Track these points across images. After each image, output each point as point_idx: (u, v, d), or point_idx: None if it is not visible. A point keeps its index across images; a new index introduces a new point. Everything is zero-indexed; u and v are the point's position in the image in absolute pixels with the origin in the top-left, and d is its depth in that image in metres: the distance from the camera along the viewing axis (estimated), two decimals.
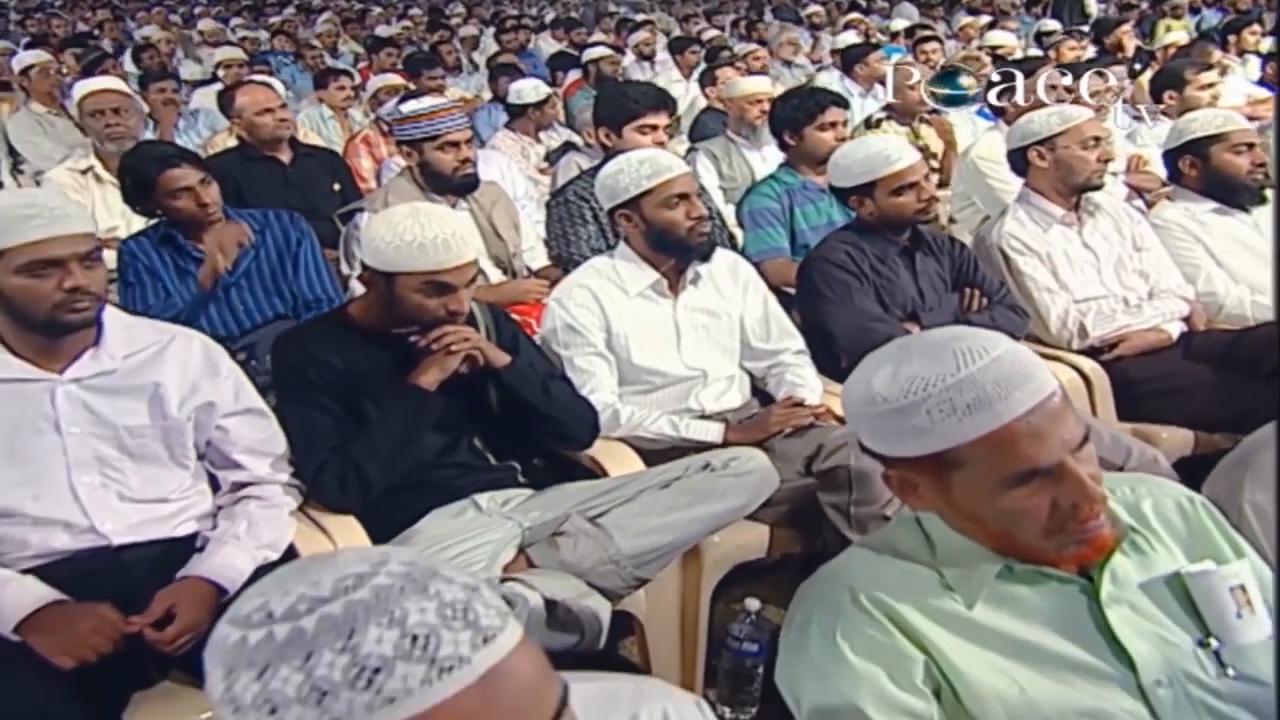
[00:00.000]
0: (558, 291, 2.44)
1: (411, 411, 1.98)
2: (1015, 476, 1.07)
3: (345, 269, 3.09)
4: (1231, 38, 6.76)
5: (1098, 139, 2.79)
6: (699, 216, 2.37)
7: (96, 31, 9.83)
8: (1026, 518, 1.09)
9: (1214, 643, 1.11)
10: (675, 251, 2.39)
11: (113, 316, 1.81)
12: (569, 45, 8.51)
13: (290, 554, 1.84)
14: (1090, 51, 6.48)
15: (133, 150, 2.87)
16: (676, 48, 7.44)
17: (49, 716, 1.48)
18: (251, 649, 0.68)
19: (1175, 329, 2.76)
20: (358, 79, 6.19)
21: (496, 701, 0.68)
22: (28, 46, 7.35)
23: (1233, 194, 2.94)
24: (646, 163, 2.36)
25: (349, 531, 1.93)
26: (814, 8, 10.01)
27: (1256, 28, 6.78)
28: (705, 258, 2.42)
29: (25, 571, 1.67)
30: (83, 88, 3.60)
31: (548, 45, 8.86)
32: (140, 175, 2.59)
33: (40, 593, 1.62)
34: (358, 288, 2.86)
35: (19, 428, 1.70)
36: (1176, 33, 7.58)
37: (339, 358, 2.00)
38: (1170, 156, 3.05)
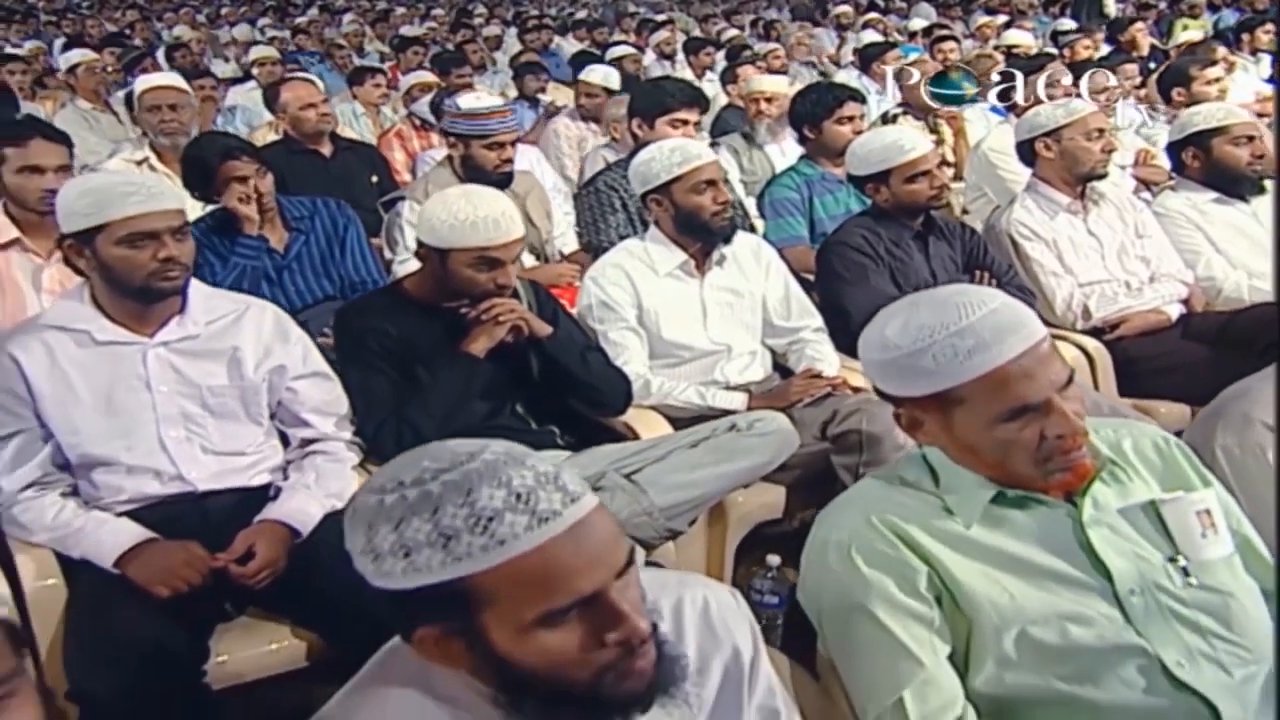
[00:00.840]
0: (593, 271, 2.61)
1: (462, 376, 2.15)
2: (1009, 412, 1.23)
3: (388, 254, 3.27)
4: (1245, 36, 6.86)
5: (1101, 131, 2.93)
6: (724, 202, 2.53)
7: (128, 31, 10.08)
8: (1018, 448, 1.24)
9: (1181, 559, 1.27)
10: (700, 234, 2.54)
11: (195, 288, 2.00)
12: (591, 45, 8.69)
13: None
14: (1104, 50, 6.60)
15: (196, 141, 3.06)
16: (691, 48, 7.61)
17: (150, 638, 1.66)
18: (389, 508, 0.86)
19: (1174, 310, 2.90)
20: (389, 76, 6.39)
21: (581, 548, 0.86)
22: (66, 46, 7.58)
23: (1233, 184, 3.05)
24: (677, 151, 2.52)
25: None
26: (842, 8, 10.12)
27: (1270, 26, 6.86)
28: (727, 240, 2.58)
29: (119, 515, 1.86)
30: (144, 83, 3.77)
31: (569, 45, 9.04)
32: (204, 164, 2.77)
33: (135, 531, 1.81)
34: (400, 271, 3.05)
35: (115, 385, 1.89)
36: (1193, 31, 7.68)
37: (396, 327, 2.18)
38: (1174, 148, 3.17)
